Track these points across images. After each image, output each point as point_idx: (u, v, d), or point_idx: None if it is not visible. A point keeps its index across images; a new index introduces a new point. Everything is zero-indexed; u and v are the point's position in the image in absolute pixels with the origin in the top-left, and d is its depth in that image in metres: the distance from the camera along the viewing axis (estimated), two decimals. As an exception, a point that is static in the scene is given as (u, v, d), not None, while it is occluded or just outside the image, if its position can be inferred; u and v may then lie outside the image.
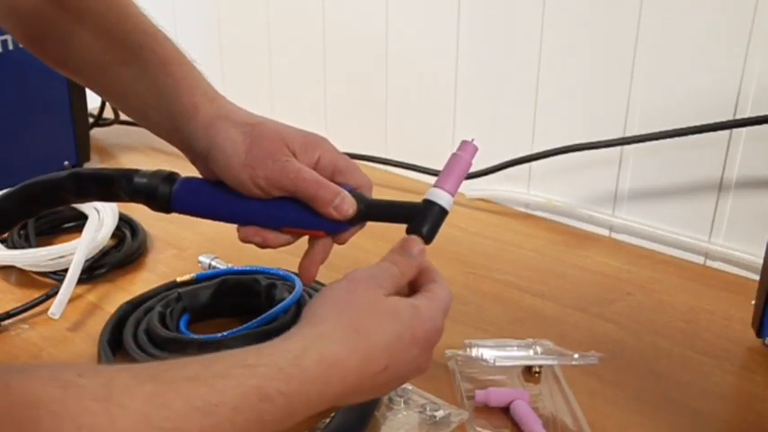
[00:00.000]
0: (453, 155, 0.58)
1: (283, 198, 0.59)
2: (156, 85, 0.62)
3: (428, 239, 0.56)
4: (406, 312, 0.50)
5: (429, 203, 0.56)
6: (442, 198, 0.56)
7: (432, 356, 0.53)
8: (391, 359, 0.48)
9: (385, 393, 0.51)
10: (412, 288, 0.55)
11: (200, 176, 0.64)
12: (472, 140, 0.58)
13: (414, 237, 0.56)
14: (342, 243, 0.61)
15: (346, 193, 0.58)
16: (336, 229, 0.60)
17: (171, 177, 0.63)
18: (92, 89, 0.69)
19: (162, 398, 0.40)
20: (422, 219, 0.56)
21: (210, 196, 0.62)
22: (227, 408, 0.41)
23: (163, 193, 0.62)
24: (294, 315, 0.76)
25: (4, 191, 0.69)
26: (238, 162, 0.58)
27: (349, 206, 0.58)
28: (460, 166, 0.57)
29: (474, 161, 0.58)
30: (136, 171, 0.64)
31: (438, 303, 0.53)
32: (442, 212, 0.57)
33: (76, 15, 0.64)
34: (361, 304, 0.49)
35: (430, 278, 0.55)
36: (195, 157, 0.62)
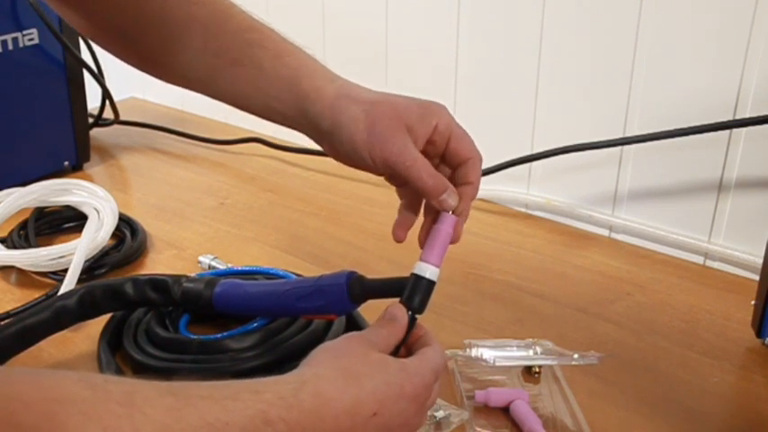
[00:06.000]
0: (435, 228, 0.62)
1: (302, 295, 0.66)
2: (275, 77, 0.65)
3: (420, 311, 0.60)
4: (394, 366, 0.53)
5: (417, 278, 0.60)
6: (428, 271, 0.60)
7: (424, 417, 0.56)
8: (380, 406, 0.51)
9: None
10: (409, 353, 0.58)
11: (234, 281, 0.73)
12: (450, 213, 0.62)
13: (397, 304, 0.60)
14: None
15: (453, 188, 0.61)
16: (344, 312, 0.70)
17: (211, 282, 0.72)
18: (206, 94, 0.70)
19: (180, 411, 0.42)
20: (412, 292, 0.60)
21: (243, 297, 0.71)
22: (236, 427, 0.44)
23: (205, 297, 0.72)
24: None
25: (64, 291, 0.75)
26: (360, 139, 0.61)
27: (454, 201, 0.61)
28: (443, 238, 0.61)
29: (453, 231, 0.62)
30: (184, 276, 0.73)
31: (426, 363, 0.55)
32: (431, 285, 0.60)
33: (183, 26, 0.66)
34: (353, 354, 0.53)
35: (424, 343, 0.58)
36: (321, 137, 0.65)
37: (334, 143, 0.63)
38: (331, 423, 0.48)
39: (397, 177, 0.63)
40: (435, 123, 0.62)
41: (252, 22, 0.67)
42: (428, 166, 0.61)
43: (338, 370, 0.51)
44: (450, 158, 0.63)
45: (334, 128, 0.62)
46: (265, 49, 0.66)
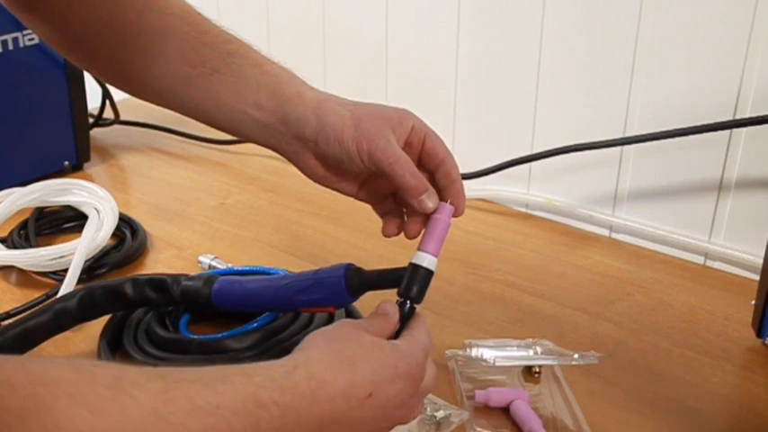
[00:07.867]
0: (433, 218, 0.62)
1: (300, 288, 0.66)
2: (256, 84, 0.66)
3: (417, 300, 0.60)
4: (387, 348, 0.54)
5: (415, 267, 0.60)
6: (425, 260, 0.60)
7: (421, 401, 0.57)
8: (375, 388, 0.51)
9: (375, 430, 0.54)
10: (396, 336, 0.58)
11: (232, 278, 0.73)
12: (448, 202, 0.62)
13: (388, 301, 0.60)
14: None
15: (433, 190, 0.62)
16: (343, 304, 0.69)
17: (210, 280, 0.72)
18: (178, 108, 0.70)
19: (168, 395, 0.42)
20: (410, 282, 0.60)
21: (241, 292, 0.71)
22: (227, 410, 0.44)
23: (204, 294, 0.72)
24: (294, 315, 0.76)
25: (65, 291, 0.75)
26: (349, 135, 0.62)
27: (433, 203, 0.62)
28: (441, 228, 0.61)
29: (451, 221, 0.62)
30: (183, 275, 0.74)
31: (416, 343, 0.56)
32: (429, 274, 0.60)
33: (159, 36, 0.67)
34: (346, 337, 0.53)
35: (411, 325, 0.59)
36: (302, 140, 0.65)
37: (320, 144, 0.64)
38: (326, 405, 0.48)
39: (376, 179, 0.65)
40: (412, 124, 0.64)
41: (229, 36, 0.68)
42: (411, 165, 0.62)
43: (331, 353, 0.51)
44: (427, 159, 0.64)
45: (320, 128, 0.64)
46: (246, 58, 0.67)
